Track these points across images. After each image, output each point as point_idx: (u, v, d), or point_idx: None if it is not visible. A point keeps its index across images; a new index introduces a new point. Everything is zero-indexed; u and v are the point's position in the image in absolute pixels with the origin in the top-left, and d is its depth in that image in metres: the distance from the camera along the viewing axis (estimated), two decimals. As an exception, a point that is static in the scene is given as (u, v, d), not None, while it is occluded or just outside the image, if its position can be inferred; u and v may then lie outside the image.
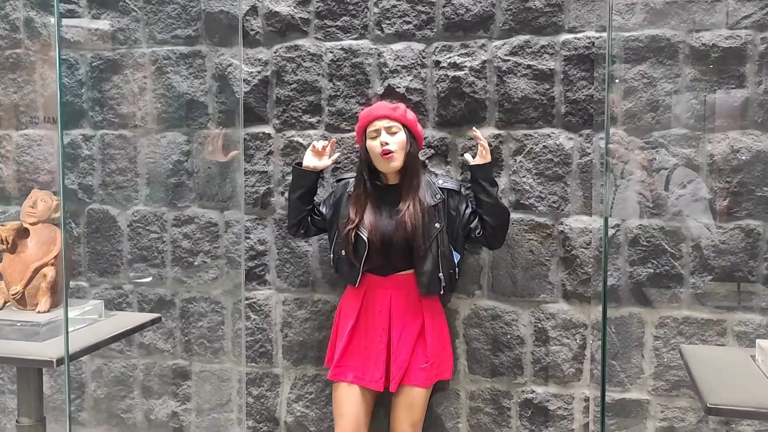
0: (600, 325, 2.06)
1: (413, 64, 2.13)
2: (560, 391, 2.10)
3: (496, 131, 2.09)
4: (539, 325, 2.10)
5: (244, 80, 2.26)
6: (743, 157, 1.94)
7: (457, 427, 2.18)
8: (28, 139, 2.51)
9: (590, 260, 2.05)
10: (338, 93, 2.18)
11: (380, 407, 2.11)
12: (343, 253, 1.91)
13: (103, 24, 2.39)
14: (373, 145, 1.88)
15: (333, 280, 2.24)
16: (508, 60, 2.06)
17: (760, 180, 1.94)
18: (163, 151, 2.37)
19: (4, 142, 2.53)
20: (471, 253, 2.12)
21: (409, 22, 2.12)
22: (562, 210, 2.07)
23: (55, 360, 1.56)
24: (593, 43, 2.01)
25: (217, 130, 2.32)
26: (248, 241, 2.30)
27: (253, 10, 2.23)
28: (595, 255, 2.05)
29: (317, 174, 1.98)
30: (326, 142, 1.99)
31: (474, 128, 1.99)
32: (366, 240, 1.86)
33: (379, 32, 2.15)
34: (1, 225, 1.85)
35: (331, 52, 2.18)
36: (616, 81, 2.00)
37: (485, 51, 2.08)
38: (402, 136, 1.88)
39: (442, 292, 1.92)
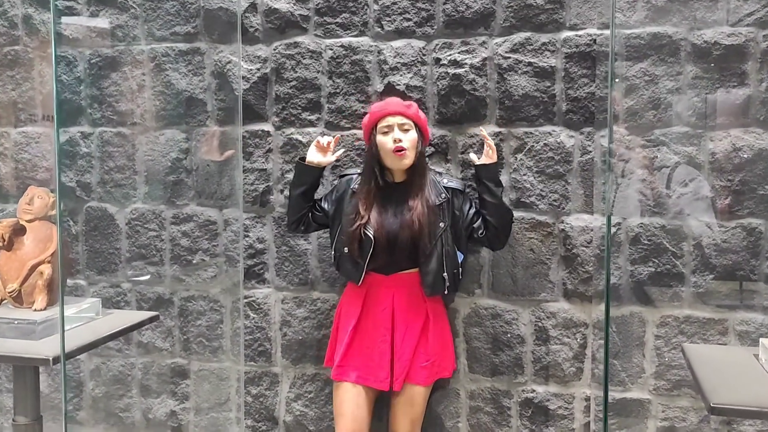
0: (601, 324, 2.05)
1: (413, 61, 2.11)
2: (561, 391, 2.09)
3: (497, 129, 2.08)
4: (540, 324, 2.09)
5: (243, 77, 2.24)
6: (745, 155, 1.93)
7: (457, 426, 2.17)
8: (26, 136, 2.50)
9: (591, 259, 2.04)
10: (338, 90, 2.17)
11: (379, 405, 2.09)
12: (346, 251, 1.89)
13: (102, 21, 2.38)
14: (384, 141, 1.86)
15: (332, 279, 2.23)
16: (509, 57, 2.05)
17: (761, 178, 1.93)
18: (161, 148, 2.36)
19: (2, 140, 2.52)
20: (471, 251, 2.11)
21: (409, 19, 2.11)
22: (563, 208, 2.06)
23: (51, 358, 1.55)
24: (594, 40, 1.99)
25: (213, 129, 2.31)
26: (247, 239, 2.29)
27: (253, 6, 2.22)
28: (596, 254, 2.04)
29: (321, 170, 1.96)
30: (331, 138, 1.96)
31: (481, 128, 1.98)
32: (372, 238, 1.84)
33: (379, 29, 2.13)
34: (-2, 222, 1.84)
35: (331, 50, 2.17)
36: (617, 81, 1.99)
37: (486, 48, 2.07)
38: (414, 134, 1.87)
39: (446, 292, 1.91)
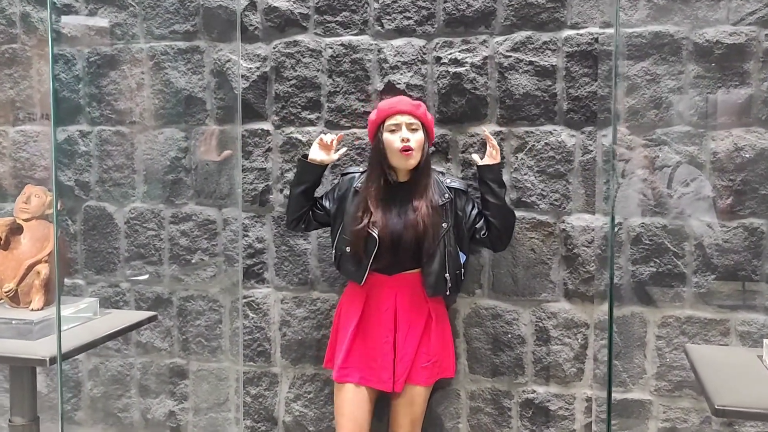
0: (602, 325, 2.04)
1: (414, 60, 2.10)
2: (561, 391, 2.08)
3: (498, 128, 2.07)
4: (540, 325, 2.08)
5: (243, 76, 2.23)
6: (747, 155, 1.92)
7: (458, 427, 2.16)
8: (25, 135, 2.49)
9: (592, 259, 2.03)
10: (338, 89, 2.16)
11: (379, 405, 2.08)
12: (348, 250, 1.87)
13: (101, 19, 2.37)
14: (391, 139, 1.84)
15: (332, 278, 2.21)
16: (510, 56, 2.04)
17: (763, 178, 1.92)
18: (160, 147, 2.35)
19: (0, 138, 2.51)
20: (472, 251, 2.10)
21: (409, 18, 2.10)
22: (564, 208, 2.05)
23: (48, 359, 1.53)
24: (596, 39, 1.98)
25: (211, 128, 2.30)
26: (246, 238, 2.28)
27: (252, 5, 2.21)
28: (598, 254, 2.03)
29: (323, 168, 1.94)
30: (334, 136, 1.94)
31: (484, 129, 1.97)
32: (377, 237, 1.83)
33: (379, 28, 2.12)
34: (-5, 221, 1.83)
35: (331, 48, 2.16)
36: (617, 81, 1.98)
37: (486, 47, 2.06)
38: (421, 135, 1.85)
39: (448, 293, 1.90)
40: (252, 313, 2.29)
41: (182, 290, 2.37)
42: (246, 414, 2.32)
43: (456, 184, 1.92)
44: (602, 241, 2.03)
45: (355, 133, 2.15)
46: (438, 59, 2.09)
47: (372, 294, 1.91)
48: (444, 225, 1.85)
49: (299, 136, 2.21)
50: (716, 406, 1.27)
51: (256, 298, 2.28)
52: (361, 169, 1.97)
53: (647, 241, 2.00)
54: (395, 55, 2.11)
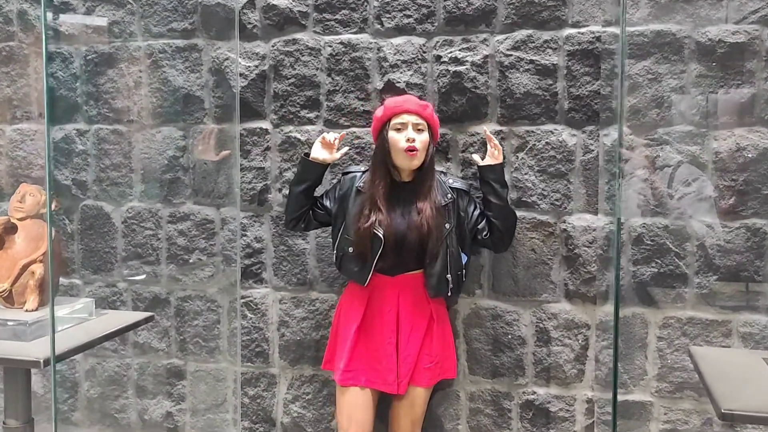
0: (603, 326, 2.03)
1: (413, 58, 2.09)
2: (562, 393, 2.07)
3: (498, 127, 2.05)
4: (541, 326, 2.06)
5: (241, 74, 2.22)
6: (749, 155, 1.91)
7: (457, 428, 2.14)
8: (21, 133, 2.47)
9: (593, 259, 2.01)
10: (337, 88, 2.14)
11: (379, 405, 2.06)
12: (351, 250, 1.85)
13: (98, 16, 2.35)
14: (397, 138, 1.82)
15: (331, 279, 2.20)
16: (511, 55, 2.02)
17: (766, 178, 1.90)
18: (158, 146, 2.33)
19: (-4, 137, 2.49)
20: (472, 252, 2.08)
21: (409, 16, 2.08)
22: (565, 208, 2.03)
23: (42, 360, 1.52)
24: (598, 38, 1.97)
25: (208, 128, 2.28)
26: (245, 238, 2.26)
27: (251, 2, 2.19)
28: (599, 254, 2.01)
29: (325, 167, 1.91)
30: (337, 134, 1.92)
31: (485, 129, 1.95)
32: (382, 237, 1.81)
33: (378, 26, 2.11)
34: (-12, 220, 1.81)
35: (330, 46, 2.14)
36: (623, 80, 1.96)
37: (487, 45, 2.05)
38: (426, 136, 1.83)
39: (449, 294, 1.88)
40: (250, 313, 2.27)
41: (180, 290, 2.35)
42: (244, 415, 2.30)
43: (458, 185, 1.91)
44: (604, 242, 2.01)
45: (354, 132, 2.14)
46: (438, 58, 2.07)
47: (374, 295, 1.89)
48: (447, 225, 1.84)
49: (298, 135, 2.19)
50: (723, 411, 1.25)
51: (255, 299, 2.27)
52: (362, 169, 1.95)
53: (649, 242, 1.99)
54: (395, 54, 2.09)
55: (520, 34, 2.02)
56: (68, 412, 2.48)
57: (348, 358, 1.88)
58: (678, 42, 1.93)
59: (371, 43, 2.12)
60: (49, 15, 2.38)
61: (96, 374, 2.45)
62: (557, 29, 2.00)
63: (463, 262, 1.90)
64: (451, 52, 2.06)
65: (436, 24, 2.08)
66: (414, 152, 1.80)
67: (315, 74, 2.16)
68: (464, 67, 2.05)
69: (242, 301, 2.28)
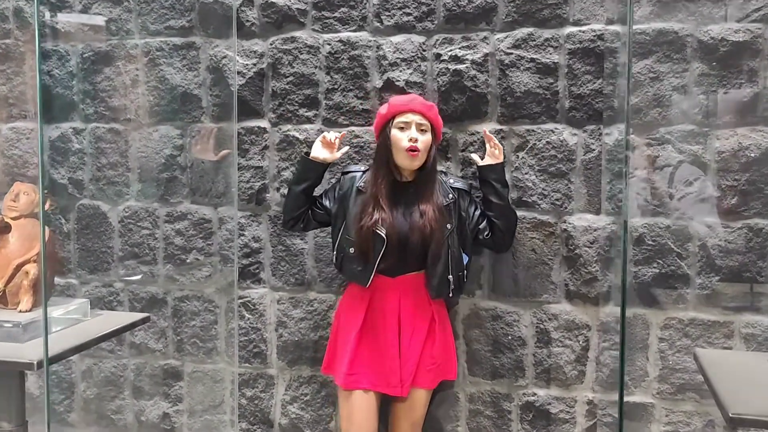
0: (604, 327, 2.01)
1: (413, 57, 2.07)
2: (562, 394, 2.05)
3: (498, 126, 2.04)
4: (541, 326, 2.05)
5: (239, 73, 2.20)
6: (752, 155, 1.89)
7: (457, 430, 2.12)
8: (17, 132, 2.45)
9: (594, 260, 2.00)
10: (336, 86, 2.13)
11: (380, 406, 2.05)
12: (352, 251, 1.83)
13: (95, 14, 2.33)
14: (399, 137, 1.79)
15: (329, 279, 2.18)
16: (511, 53, 2.01)
17: (768, 178, 1.89)
18: (155, 145, 2.31)
19: (-8, 136, 2.47)
20: (473, 252, 2.07)
21: (409, 14, 2.06)
22: (566, 208, 2.01)
23: (35, 362, 1.49)
24: (599, 36, 1.95)
25: (207, 127, 2.26)
26: (242, 238, 2.24)
27: (249, 0, 2.17)
28: (600, 254, 2.00)
29: (325, 167, 1.89)
30: (338, 134, 1.90)
31: (485, 129, 1.94)
32: (384, 237, 1.78)
33: (378, 24, 2.09)
34: (-19, 220, 1.78)
35: (329, 45, 2.12)
36: (617, 79, 1.95)
37: (487, 44, 2.03)
38: (429, 137, 1.82)
39: (451, 295, 1.86)
40: (248, 313, 2.25)
41: (177, 290, 2.33)
42: (241, 416, 2.28)
43: (459, 185, 1.89)
44: (605, 242, 1.99)
45: (353, 131, 2.12)
46: (438, 56, 2.05)
47: (375, 297, 1.87)
48: (448, 226, 1.82)
49: (296, 134, 2.17)
50: (731, 414, 1.23)
51: (252, 299, 2.25)
52: (362, 168, 1.93)
53: (650, 242, 1.97)
54: (394, 52, 2.08)
55: (521, 32, 2.00)
56: (65, 413, 2.46)
57: (350, 361, 1.86)
58: (680, 40, 1.92)
59: (370, 41, 2.10)
60: (46, 13, 2.36)
61: (92, 375, 2.43)
62: (558, 27, 1.98)
63: (465, 263, 1.88)
64: (451, 50, 2.04)
65: (435, 22, 2.06)
66: (416, 152, 1.78)
67: (314, 72, 2.14)
68: (464, 65, 2.03)
69: (240, 301, 2.26)
